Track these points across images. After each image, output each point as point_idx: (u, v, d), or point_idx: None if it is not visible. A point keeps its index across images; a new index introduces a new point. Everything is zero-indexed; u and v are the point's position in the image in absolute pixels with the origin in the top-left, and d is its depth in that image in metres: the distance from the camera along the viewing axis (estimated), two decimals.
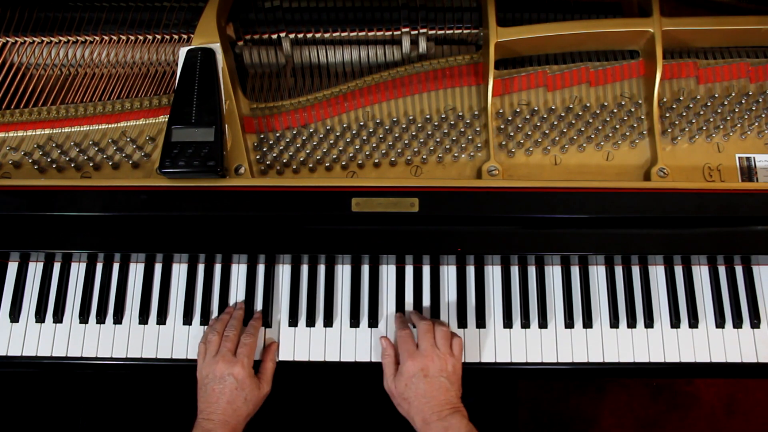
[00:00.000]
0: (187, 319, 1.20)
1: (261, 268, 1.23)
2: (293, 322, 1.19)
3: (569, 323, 1.19)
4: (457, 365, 1.10)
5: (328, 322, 1.19)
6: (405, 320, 1.17)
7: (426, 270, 1.22)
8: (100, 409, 1.73)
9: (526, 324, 1.19)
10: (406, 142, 1.22)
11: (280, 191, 1.14)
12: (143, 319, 1.19)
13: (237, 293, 1.22)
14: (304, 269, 1.23)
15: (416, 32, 1.27)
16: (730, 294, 1.21)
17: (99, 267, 1.23)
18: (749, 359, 1.17)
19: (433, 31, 1.28)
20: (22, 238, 1.17)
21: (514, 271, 1.22)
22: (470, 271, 1.23)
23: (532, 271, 1.22)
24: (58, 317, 1.20)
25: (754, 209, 1.14)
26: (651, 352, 1.17)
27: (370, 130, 1.23)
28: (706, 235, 1.15)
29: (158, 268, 1.23)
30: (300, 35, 1.28)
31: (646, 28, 1.21)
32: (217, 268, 1.23)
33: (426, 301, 1.20)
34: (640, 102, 1.25)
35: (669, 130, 1.24)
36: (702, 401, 1.88)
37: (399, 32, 1.27)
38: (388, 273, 1.22)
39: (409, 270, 1.23)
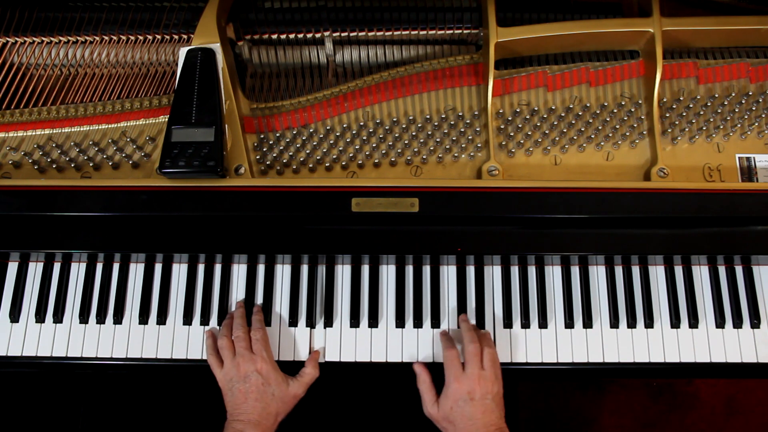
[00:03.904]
0: (187, 320, 1.20)
1: (261, 268, 1.23)
2: (293, 322, 1.19)
3: (569, 323, 1.19)
4: (501, 387, 1.09)
5: (328, 322, 1.19)
6: (451, 338, 1.15)
7: (426, 270, 1.22)
8: (100, 409, 1.73)
9: (526, 324, 1.19)
10: (406, 142, 1.22)
11: (280, 191, 1.14)
12: (143, 319, 1.19)
13: (237, 293, 1.22)
14: (304, 269, 1.23)
15: (416, 32, 1.27)
16: (730, 294, 1.21)
17: (99, 267, 1.23)
18: (749, 359, 1.17)
19: (433, 31, 1.28)
20: (22, 238, 1.17)
21: (514, 271, 1.22)
22: (470, 271, 1.23)
23: (532, 271, 1.22)
24: (58, 317, 1.20)
25: (754, 209, 1.14)
26: (651, 352, 1.17)
27: (370, 130, 1.23)
28: (706, 235, 1.15)
29: (158, 268, 1.23)
30: (300, 35, 1.28)
31: (646, 28, 1.21)
32: (217, 268, 1.23)
33: (426, 301, 1.20)
34: (640, 102, 1.25)
35: (669, 130, 1.24)
36: (702, 401, 1.88)
37: (399, 32, 1.27)
38: (388, 273, 1.22)
39: (409, 270, 1.23)
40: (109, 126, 1.24)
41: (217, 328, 1.19)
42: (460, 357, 1.11)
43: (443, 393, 1.09)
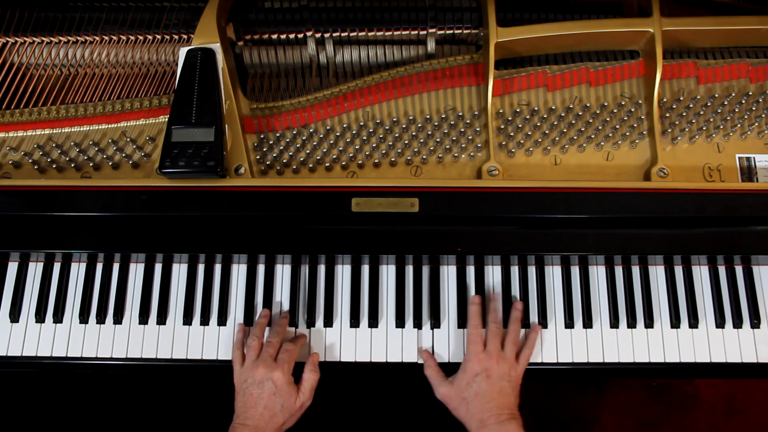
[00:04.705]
0: (187, 320, 1.20)
1: (261, 268, 1.23)
2: (293, 322, 1.19)
3: (569, 323, 1.19)
4: (520, 374, 1.10)
5: (328, 322, 1.19)
6: (480, 315, 1.15)
7: (426, 270, 1.22)
8: (100, 409, 1.73)
9: (525, 324, 1.19)
10: (406, 142, 1.22)
11: (280, 191, 1.14)
12: (143, 319, 1.19)
13: (237, 293, 1.22)
14: (304, 269, 1.23)
15: (425, 32, 1.27)
16: (730, 294, 1.21)
17: (99, 267, 1.23)
18: (749, 359, 1.17)
19: (433, 31, 1.28)
20: (22, 238, 1.17)
21: (514, 271, 1.22)
22: (470, 271, 1.23)
23: (532, 271, 1.22)
24: (58, 317, 1.20)
25: (754, 209, 1.14)
26: (651, 352, 1.17)
27: (370, 130, 1.23)
28: (706, 235, 1.15)
29: (158, 268, 1.23)
30: (300, 35, 1.28)
31: (646, 28, 1.21)
32: (217, 268, 1.23)
33: (426, 301, 1.20)
34: (640, 102, 1.25)
35: (669, 130, 1.24)
36: (702, 401, 1.88)
37: (399, 32, 1.27)
38: (388, 273, 1.22)
39: (409, 270, 1.22)
40: (109, 126, 1.24)
41: (215, 327, 1.19)
42: (483, 336, 1.12)
43: (460, 368, 1.10)
